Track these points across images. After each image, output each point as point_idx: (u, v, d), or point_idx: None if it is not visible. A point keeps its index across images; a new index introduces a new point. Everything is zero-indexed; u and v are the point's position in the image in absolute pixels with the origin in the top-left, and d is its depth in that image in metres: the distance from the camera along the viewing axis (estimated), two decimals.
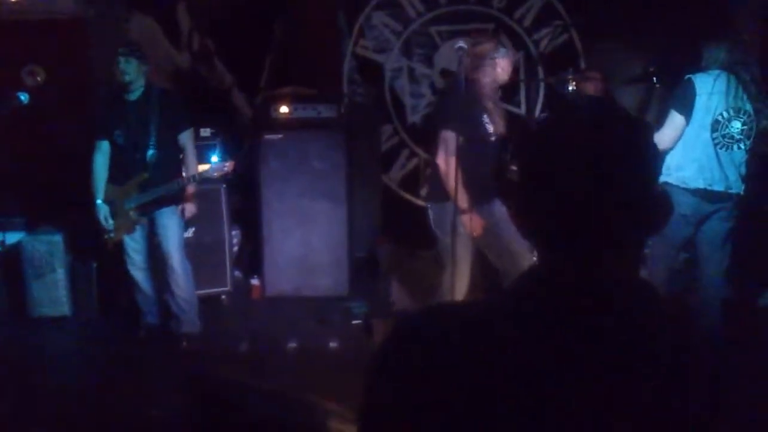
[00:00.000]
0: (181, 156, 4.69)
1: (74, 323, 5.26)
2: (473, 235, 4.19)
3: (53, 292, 5.25)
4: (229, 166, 4.62)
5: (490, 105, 4.27)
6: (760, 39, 5.68)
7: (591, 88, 5.20)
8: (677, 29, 5.46)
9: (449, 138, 4.07)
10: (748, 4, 5.87)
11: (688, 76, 4.18)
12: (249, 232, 5.87)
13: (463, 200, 4.05)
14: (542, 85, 5.99)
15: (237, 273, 5.80)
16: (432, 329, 1.08)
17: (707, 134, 4.13)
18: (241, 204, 5.86)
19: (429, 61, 6.17)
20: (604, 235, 1.06)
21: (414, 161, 6.19)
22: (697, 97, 4.09)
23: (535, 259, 4.50)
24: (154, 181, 4.54)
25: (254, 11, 6.14)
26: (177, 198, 4.66)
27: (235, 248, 5.80)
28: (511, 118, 4.66)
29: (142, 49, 4.65)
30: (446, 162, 4.09)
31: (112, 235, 4.65)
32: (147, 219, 4.66)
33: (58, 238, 5.28)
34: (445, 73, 6.02)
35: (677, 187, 4.18)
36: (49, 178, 5.53)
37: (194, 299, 4.84)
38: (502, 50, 4.36)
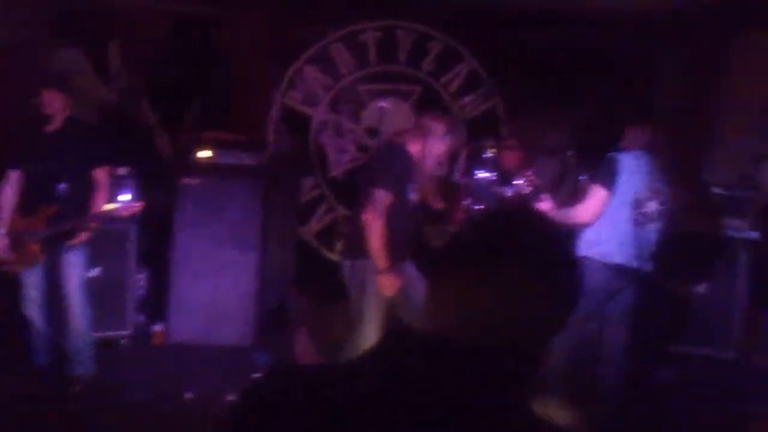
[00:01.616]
0: (92, 192, 4.55)
1: None
2: (386, 295, 4.16)
3: None
4: (138, 206, 4.50)
5: (420, 178, 4.31)
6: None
7: (509, 156, 5.31)
8: (599, 106, 5.65)
9: (382, 198, 4.07)
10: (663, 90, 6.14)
11: (612, 154, 4.29)
12: (157, 275, 5.71)
13: (383, 259, 4.03)
14: (463, 150, 6.08)
15: (139, 317, 5.61)
16: (274, 395, 1.14)
17: (628, 212, 4.23)
18: (152, 247, 5.71)
19: (355, 118, 6.22)
20: None
21: (332, 215, 6.18)
22: (621, 175, 4.20)
23: None
24: (62, 215, 4.37)
25: (186, 53, 6.11)
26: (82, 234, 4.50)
27: (140, 292, 5.62)
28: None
29: (67, 81, 4.55)
30: (375, 220, 4.07)
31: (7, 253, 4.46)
32: (50, 254, 4.48)
33: None
34: (371, 131, 6.07)
35: (597, 261, 4.25)
36: None
37: (90, 341, 4.64)
38: (453, 133, 4.39)
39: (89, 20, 6.14)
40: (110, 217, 4.51)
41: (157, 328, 5.55)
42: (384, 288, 4.09)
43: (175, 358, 5.26)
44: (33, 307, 4.56)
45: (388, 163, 4.33)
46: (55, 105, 4.39)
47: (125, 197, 4.53)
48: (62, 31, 6.09)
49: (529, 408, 1.09)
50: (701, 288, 5.54)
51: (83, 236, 4.49)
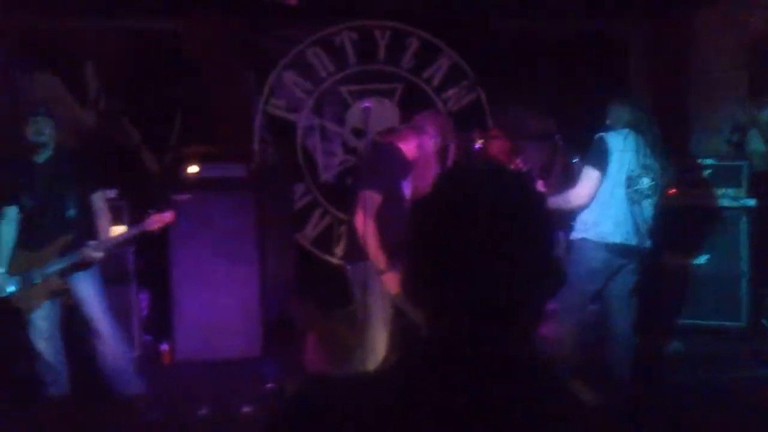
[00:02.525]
0: (94, 218, 4.46)
1: None
2: (391, 294, 4.17)
3: None
4: (169, 216, 4.42)
5: (414, 173, 4.32)
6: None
7: (497, 145, 5.34)
8: (580, 88, 5.70)
9: (370, 198, 4.07)
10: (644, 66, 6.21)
11: (599, 134, 4.33)
12: (157, 294, 5.68)
13: (380, 260, 4.04)
14: (451, 143, 6.10)
15: (146, 337, 5.59)
16: (320, 404, 1.07)
17: (622, 190, 4.27)
18: (148, 266, 5.68)
19: (340, 120, 6.23)
20: (495, 303, 1.04)
21: (327, 219, 6.18)
22: (612, 155, 4.24)
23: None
24: (76, 243, 4.31)
25: (163, 69, 6.07)
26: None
27: (144, 312, 5.60)
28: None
29: (50, 108, 4.50)
30: (365, 222, 4.08)
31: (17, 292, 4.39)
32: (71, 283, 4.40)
33: None
34: (357, 132, 6.08)
35: (595, 242, 4.29)
36: None
37: (128, 358, 4.61)
38: (443, 135, 4.40)
39: (60, 44, 6.07)
40: (141, 233, 4.44)
41: (164, 347, 5.53)
42: (386, 287, 4.08)
43: (184, 375, 5.25)
44: (42, 341, 4.48)
45: (373, 162, 4.35)
46: (48, 134, 4.34)
47: (151, 211, 4.45)
48: (32, 54, 6.02)
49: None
50: (703, 260, 5.61)
51: (98, 259, 4.40)
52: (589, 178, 4.31)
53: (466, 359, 1.04)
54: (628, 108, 4.38)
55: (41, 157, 4.38)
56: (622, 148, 4.27)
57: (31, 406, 4.57)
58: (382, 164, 4.19)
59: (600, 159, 4.28)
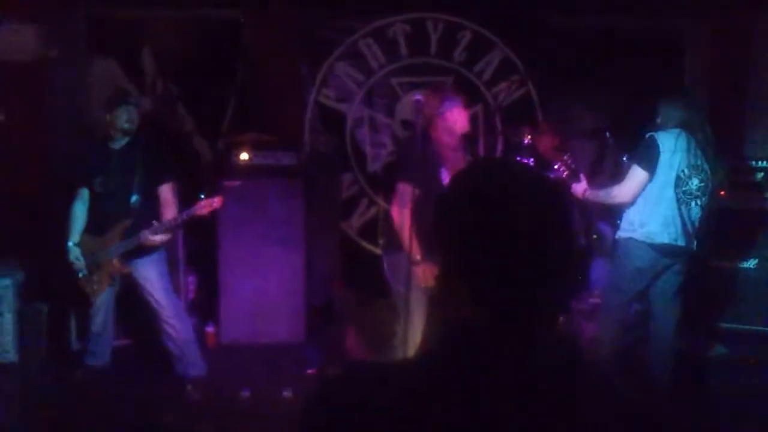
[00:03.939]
0: (159, 206, 4.58)
1: (20, 370, 5.12)
2: (426, 286, 4.19)
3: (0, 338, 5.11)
4: (217, 201, 4.52)
5: (449, 158, 4.30)
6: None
7: (546, 141, 5.31)
8: (632, 85, 5.63)
9: (404, 190, 4.11)
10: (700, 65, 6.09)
11: (650, 133, 4.28)
12: (205, 278, 5.81)
13: (416, 252, 4.06)
14: (500, 137, 6.10)
15: (193, 319, 5.72)
16: (352, 392, 1.10)
17: (671, 191, 4.22)
18: (198, 250, 5.81)
19: (390, 112, 6.26)
20: (524, 296, 1.08)
21: (373, 210, 6.23)
22: (661, 155, 4.20)
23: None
24: (137, 228, 4.44)
25: (218, 57, 6.18)
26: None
27: (191, 294, 5.73)
28: None
29: (140, 99, 4.65)
30: (400, 214, 4.12)
31: (84, 276, 4.54)
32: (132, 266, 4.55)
33: (6, 282, 5.16)
34: (406, 123, 6.11)
35: (642, 242, 4.26)
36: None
37: (193, 340, 4.75)
38: (447, 103, 4.35)
39: (119, 30, 6.24)
40: (191, 217, 4.53)
41: (209, 329, 5.66)
42: (420, 279, 4.09)
43: (228, 358, 5.36)
44: (96, 313, 4.66)
45: (402, 155, 4.37)
46: (134, 121, 4.49)
47: (202, 195, 4.54)
48: (93, 42, 6.19)
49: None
50: (750, 264, 5.51)
51: (160, 242, 4.52)
52: (634, 176, 4.28)
53: (497, 348, 1.07)
54: (681, 107, 4.32)
55: (118, 143, 4.53)
56: (673, 148, 4.21)
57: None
58: (409, 156, 4.21)
59: (648, 158, 4.24)
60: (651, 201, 4.26)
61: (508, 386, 1.05)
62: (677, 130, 4.25)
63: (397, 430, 1.03)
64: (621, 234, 4.42)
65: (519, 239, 1.06)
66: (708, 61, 6.27)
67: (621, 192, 4.33)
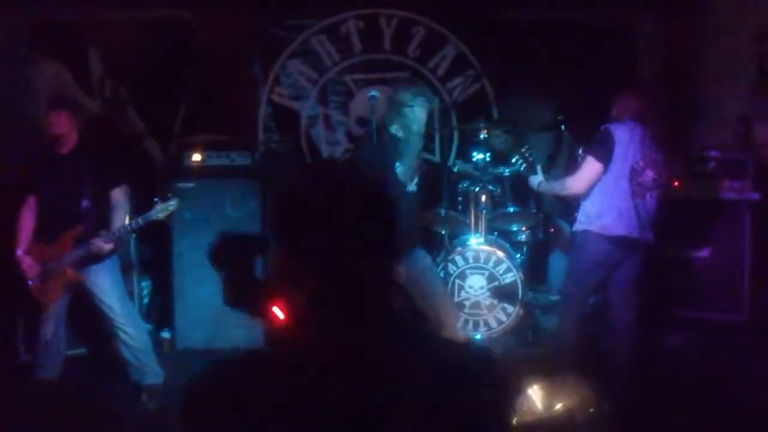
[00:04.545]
0: (110, 211, 4.45)
1: None
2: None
3: None
4: (174, 205, 4.42)
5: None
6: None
7: (498, 136, 5.31)
8: (587, 79, 5.66)
9: None
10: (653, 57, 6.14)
11: (605, 126, 4.30)
12: (159, 282, 5.69)
13: None
14: (456, 133, 6.08)
15: (148, 326, 5.60)
16: (210, 390, 1.25)
17: (626, 183, 4.24)
18: (151, 253, 5.69)
19: (345, 109, 6.22)
20: (344, 279, 1.22)
21: None
22: (616, 147, 4.21)
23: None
24: (89, 234, 4.31)
25: (168, 58, 6.07)
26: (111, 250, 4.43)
27: (146, 300, 5.61)
28: (427, 167, 4.70)
29: (72, 101, 4.50)
30: None
31: (35, 285, 4.39)
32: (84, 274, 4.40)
33: None
34: (361, 120, 6.06)
35: (598, 234, 4.28)
36: None
37: (148, 347, 4.64)
38: (419, 99, 4.36)
39: (66, 32, 6.08)
40: (147, 222, 4.42)
41: (165, 335, 5.54)
42: None
43: (184, 364, 5.24)
44: (48, 322, 4.51)
45: (365, 149, 4.35)
46: (65, 125, 4.35)
47: (157, 200, 4.44)
48: (39, 44, 6.03)
49: None
50: (705, 253, 5.56)
51: (110, 248, 4.39)
52: (588, 167, 4.29)
53: (332, 320, 1.22)
54: (634, 99, 4.35)
55: (63, 149, 4.40)
56: (627, 140, 4.23)
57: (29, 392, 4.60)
58: (370, 151, 4.20)
59: (603, 150, 4.25)
60: (606, 193, 4.28)
61: (345, 350, 1.20)
62: (632, 122, 4.27)
63: (263, 407, 1.18)
64: (578, 227, 4.43)
65: (339, 223, 1.20)
66: (661, 53, 6.33)
67: (574, 183, 4.35)
